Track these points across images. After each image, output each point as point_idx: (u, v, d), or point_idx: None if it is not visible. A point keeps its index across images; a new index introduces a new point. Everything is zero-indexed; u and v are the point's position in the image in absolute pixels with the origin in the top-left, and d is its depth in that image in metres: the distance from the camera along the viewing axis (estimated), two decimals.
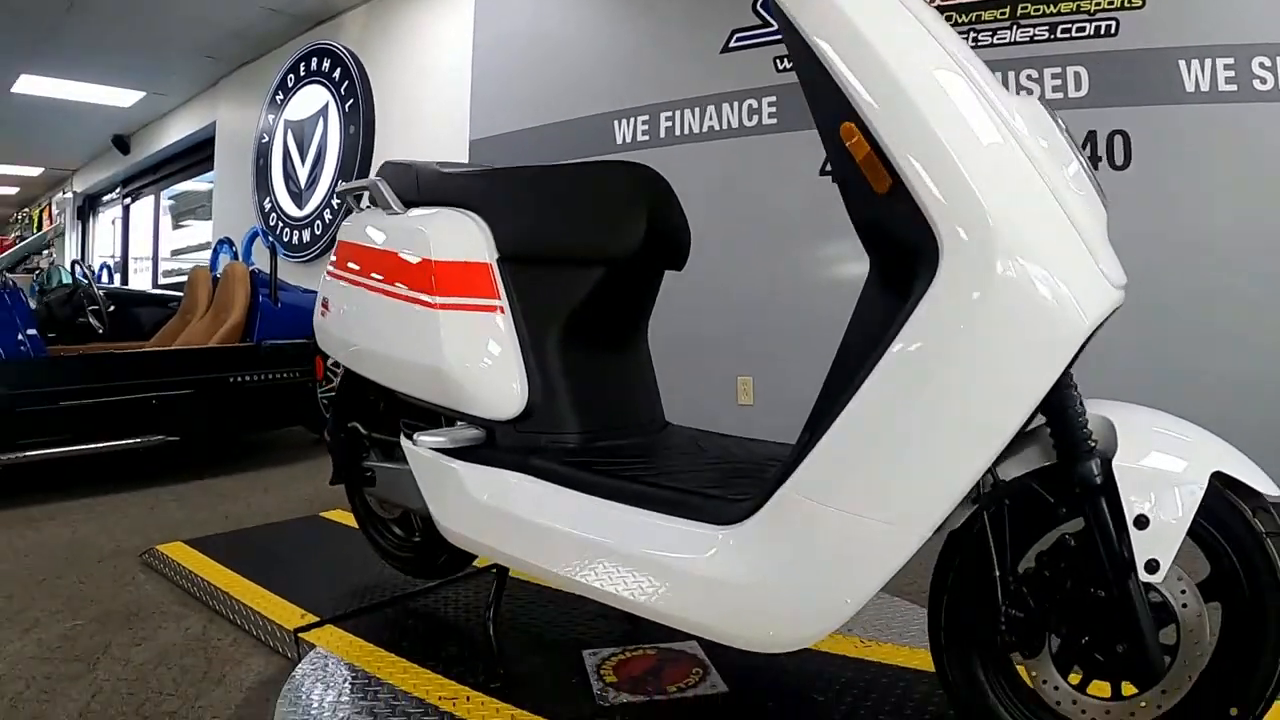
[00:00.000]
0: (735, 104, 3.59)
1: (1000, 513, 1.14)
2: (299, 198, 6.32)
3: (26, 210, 15.07)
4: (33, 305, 3.98)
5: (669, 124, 3.82)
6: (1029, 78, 2.96)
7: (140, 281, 10.87)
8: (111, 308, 4.80)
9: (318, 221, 6.08)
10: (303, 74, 6.25)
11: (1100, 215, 1.15)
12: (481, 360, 1.60)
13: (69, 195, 13.01)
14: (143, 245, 11.46)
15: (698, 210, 3.63)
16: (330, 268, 2.01)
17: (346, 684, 1.66)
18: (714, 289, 3.74)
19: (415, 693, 1.59)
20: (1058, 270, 1.03)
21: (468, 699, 1.56)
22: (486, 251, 1.63)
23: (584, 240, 1.60)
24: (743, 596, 1.18)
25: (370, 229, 1.87)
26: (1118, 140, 2.84)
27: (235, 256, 6.39)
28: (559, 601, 2.01)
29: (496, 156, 4.55)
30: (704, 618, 1.22)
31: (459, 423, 1.66)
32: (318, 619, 2.00)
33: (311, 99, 6.22)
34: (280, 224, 6.49)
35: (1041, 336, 1.03)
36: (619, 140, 4.04)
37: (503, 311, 1.60)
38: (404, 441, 1.73)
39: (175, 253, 11.04)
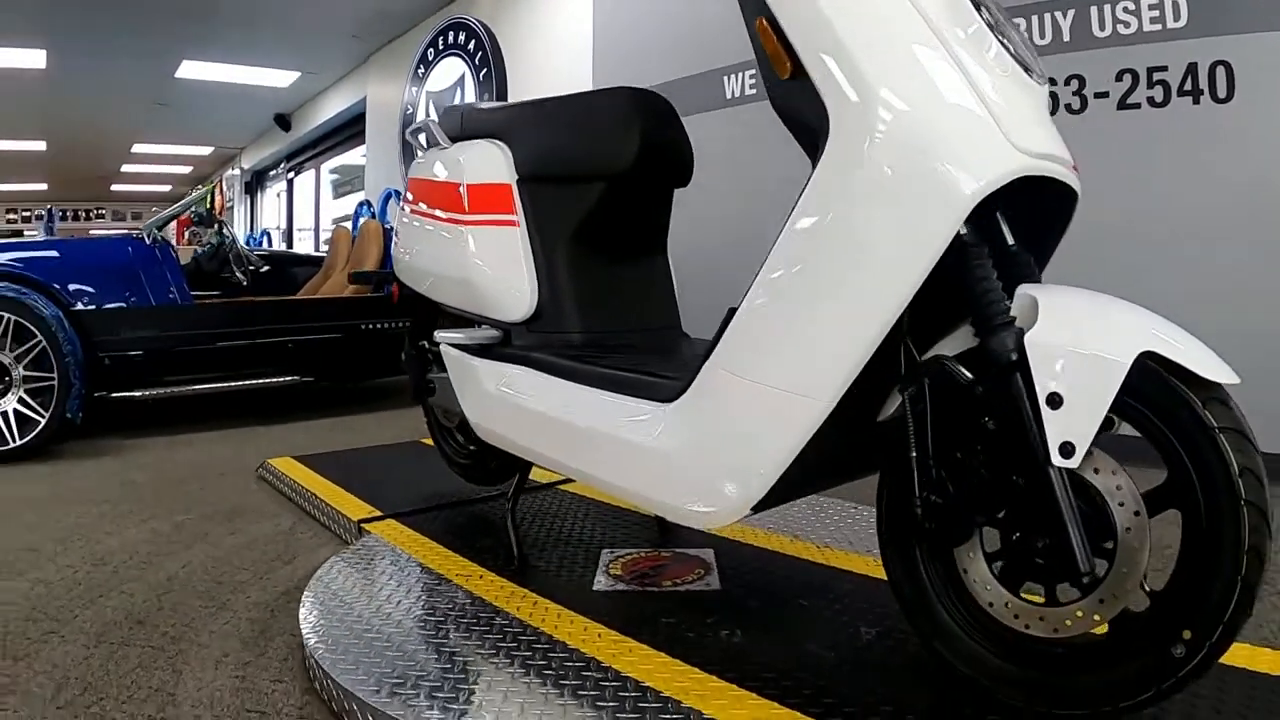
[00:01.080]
0: None
1: (920, 395, 1.16)
2: None
3: (200, 186, 16.79)
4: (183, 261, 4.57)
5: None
6: (1126, 10, 2.85)
7: (303, 248, 11.88)
8: (266, 267, 5.39)
9: None
10: (441, 48, 6.70)
11: (1028, 90, 1.16)
12: (499, 269, 1.81)
13: (237, 172, 14.42)
14: (306, 216, 12.55)
15: (794, 159, 3.68)
16: (400, 204, 2.28)
17: (385, 561, 1.92)
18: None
19: (438, 569, 1.83)
20: (946, 138, 1.05)
21: (481, 576, 1.78)
22: (507, 174, 1.84)
23: (585, 158, 1.78)
24: (675, 468, 1.31)
25: (423, 164, 2.13)
26: (1220, 72, 2.70)
27: (373, 216, 6.94)
28: (603, 511, 2.22)
29: None
30: (645, 489, 1.37)
31: (483, 326, 1.88)
32: (381, 513, 2.28)
33: (450, 71, 6.65)
34: None
35: (924, 203, 1.04)
36: (728, 95, 4.14)
37: (518, 225, 1.80)
38: (441, 346, 1.96)
39: (336, 221, 12.02)
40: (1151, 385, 1.03)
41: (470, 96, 6.31)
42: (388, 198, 6.84)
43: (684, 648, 1.38)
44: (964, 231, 1.08)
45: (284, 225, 13.25)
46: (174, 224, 5.32)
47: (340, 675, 1.33)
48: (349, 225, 7.22)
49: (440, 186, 1.98)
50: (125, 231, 5.10)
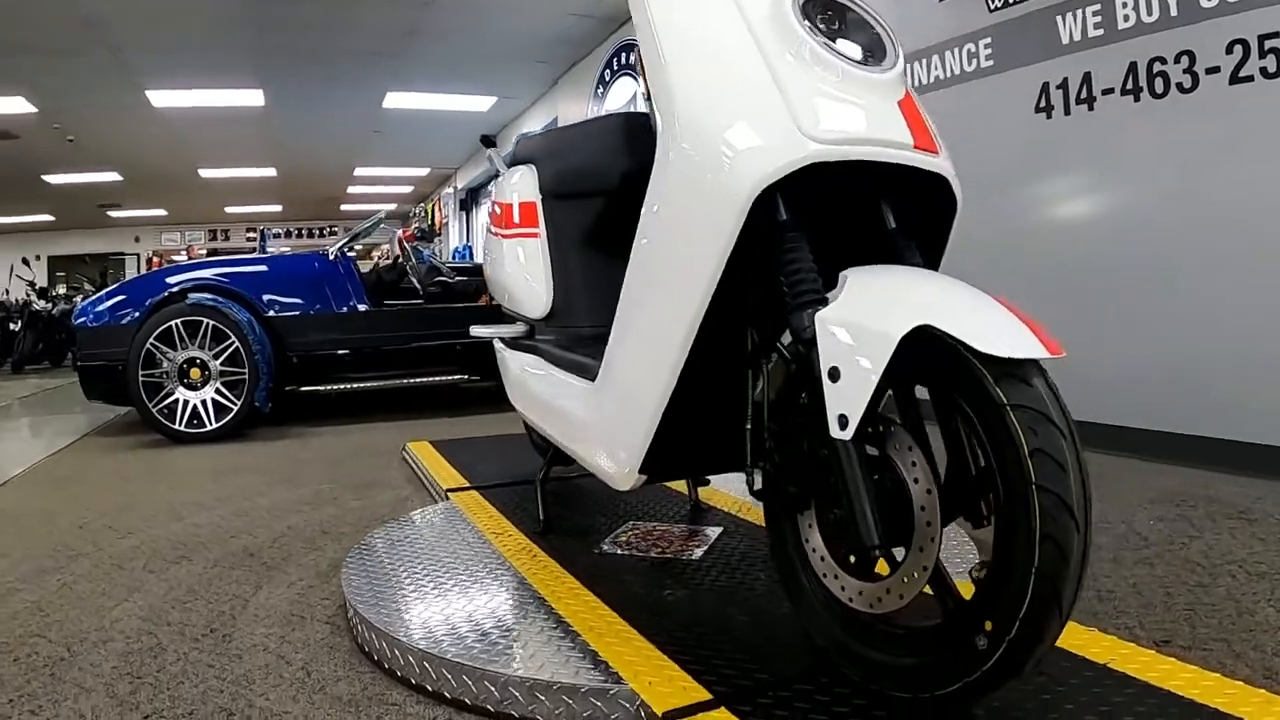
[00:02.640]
0: (955, 50, 3.70)
1: (757, 373, 1.31)
2: None
3: (422, 205, 18.69)
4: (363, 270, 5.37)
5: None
6: None
7: None
8: (460, 278, 6.10)
9: None
10: (615, 69, 7.27)
11: (857, 82, 1.24)
12: (526, 273, 2.18)
13: (451, 190, 15.95)
14: None
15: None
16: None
17: (442, 518, 2.34)
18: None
19: (479, 526, 2.22)
20: (737, 134, 1.20)
21: (509, 535, 2.14)
22: (534, 193, 2.21)
23: (586, 177, 2.11)
24: (592, 437, 1.61)
25: (493, 188, 2.56)
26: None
27: None
28: (652, 489, 2.43)
29: None
30: (582, 453, 1.68)
31: (518, 322, 2.27)
32: (466, 485, 2.71)
33: (623, 91, 7.21)
34: None
35: (715, 195, 1.20)
36: None
37: (539, 236, 2.16)
38: (493, 340, 2.39)
39: None
40: (943, 361, 1.05)
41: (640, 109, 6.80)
42: None
43: (620, 598, 1.63)
44: (784, 217, 1.22)
45: None
46: (401, 235, 6.15)
47: (350, 591, 1.75)
48: None
49: (497, 206, 2.39)
50: (313, 249, 6.01)
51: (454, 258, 12.86)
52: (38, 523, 2.73)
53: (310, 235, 20.85)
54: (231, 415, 4.34)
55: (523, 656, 1.39)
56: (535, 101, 9.95)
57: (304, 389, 4.78)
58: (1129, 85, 2.96)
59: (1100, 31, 3.03)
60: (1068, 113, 3.19)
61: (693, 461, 1.55)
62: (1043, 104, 3.27)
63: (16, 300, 11.27)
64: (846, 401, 1.07)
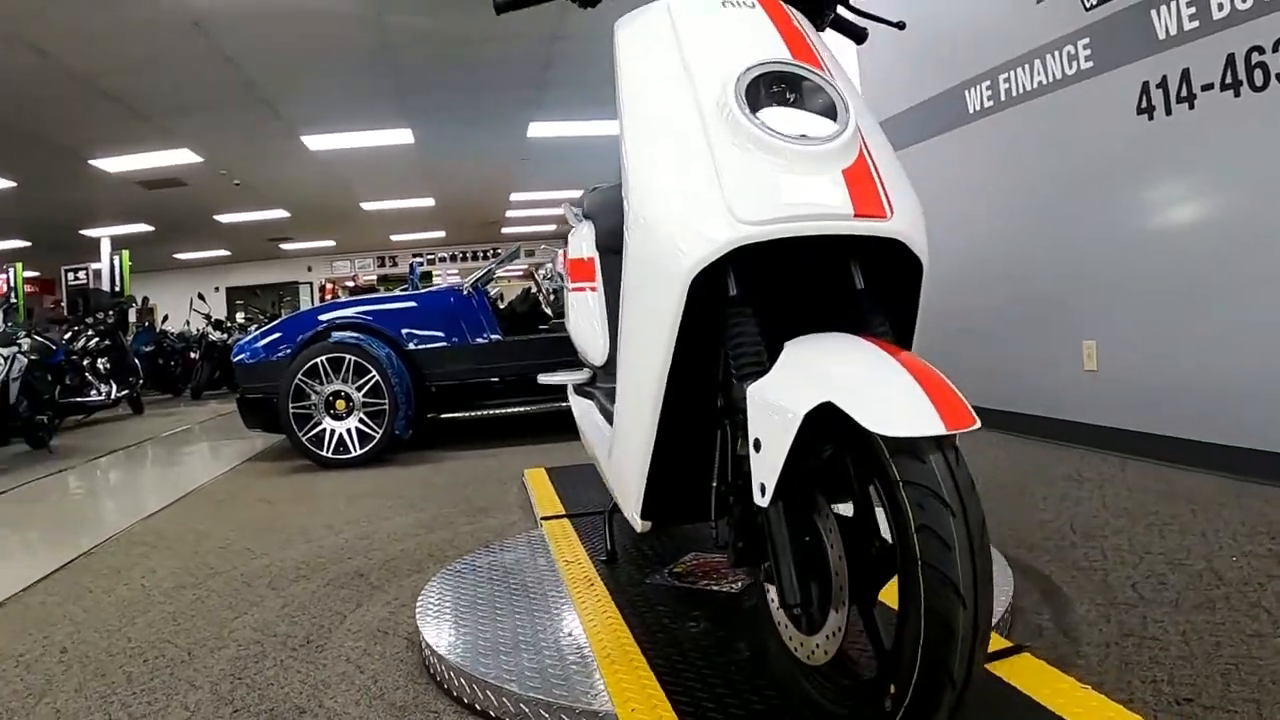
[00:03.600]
0: (1055, 53, 3.64)
1: (724, 434, 1.44)
2: None
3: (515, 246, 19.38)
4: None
5: (1006, 85, 3.98)
6: None
7: None
8: None
9: None
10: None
11: (800, 158, 1.31)
12: (587, 324, 2.39)
13: None
14: None
15: (1029, 167, 3.80)
16: None
17: (526, 545, 2.57)
18: (1048, 247, 3.85)
19: (555, 555, 2.42)
20: (676, 224, 1.35)
21: (579, 564, 2.33)
22: (591, 248, 2.40)
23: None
24: (613, 480, 1.79)
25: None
26: None
27: None
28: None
29: (892, 136, 5.04)
30: (615, 495, 1.86)
31: (584, 369, 2.48)
32: (561, 514, 2.93)
33: None
34: None
35: (660, 278, 1.35)
36: (970, 109, 4.27)
37: (595, 290, 2.35)
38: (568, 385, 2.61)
39: None
40: (851, 437, 1.11)
41: None
42: None
43: (647, 629, 1.78)
44: (733, 292, 1.33)
45: None
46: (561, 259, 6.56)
47: (420, 612, 2.02)
48: None
49: (566, 258, 2.61)
50: (449, 285, 6.47)
51: None
52: (189, 543, 3.20)
53: (474, 258, 22.03)
54: (374, 443, 4.80)
55: (539, 675, 1.58)
56: None
57: (443, 416, 5.20)
58: (1228, 79, 2.83)
59: (1195, 24, 2.91)
60: (1169, 112, 3.07)
61: (689, 509, 1.64)
62: (1144, 105, 3.16)
63: (196, 331, 12.83)
64: (765, 471, 1.16)
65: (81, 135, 8.69)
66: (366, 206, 15.07)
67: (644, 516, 1.62)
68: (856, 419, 1.05)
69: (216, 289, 20.09)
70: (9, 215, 12.10)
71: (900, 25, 1.99)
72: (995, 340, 4.31)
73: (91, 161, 9.75)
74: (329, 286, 20.72)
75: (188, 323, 13.58)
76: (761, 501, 1.17)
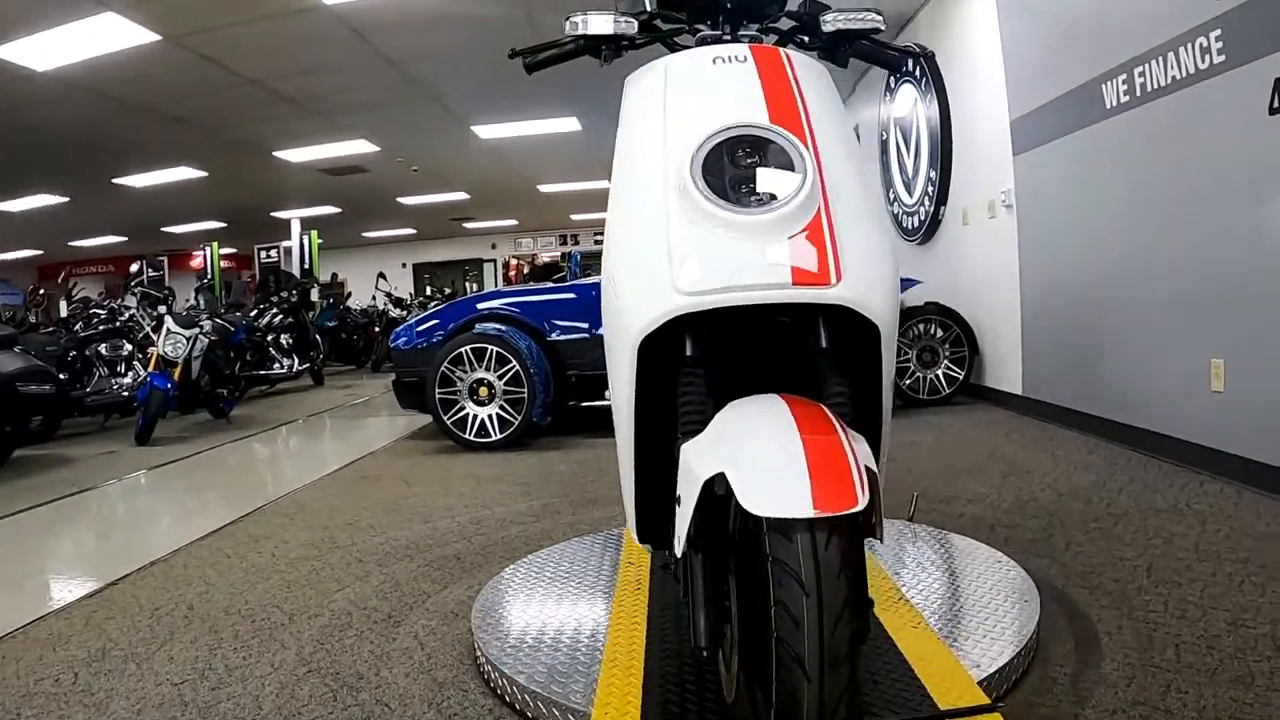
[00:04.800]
0: (1188, 45, 3.43)
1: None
2: (909, 186, 7.41)
3: None
4: None
5: (1141, 80, 3.78)
6: None
7: None
8: None
9: (920, 209, 7.06)
10: (899, 76, 7.30)
11: (744, 228, 1.39)
12: None
13: None
14: None
15: (1158, 168, 3.78)
16: None
17: (599, 542, 2.79)
18: (1180, 254, 3.64)
19: (622, 556, 2.61)
20: (630, 295, 1.47)
21: (639, 566, 2.49)
22: None
23: None
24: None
25: None
26: None
27: None
28: None
29: (1029, 134, 4.91)
30: None
31: None
32: None
33: (906, 97, 7.23)
34: (900, 211, 7.68)
35: (620, 334, 1.47)
36: (1108, 104, 4.07)
37: None
38: None
39: None
40: (736, 508, 1.21)
41: (922, 120, 6.78)
42: None
43: (662, 635, 1.93)
44: (688, 352, 1.46)
45: None
46: None
47: (479, 598, 2.29)
48: None
49: None
50: (593, 280, 6.78)
51: None
52: (323, 517, 3.66)
53: None
54: (512, 429, 5.19)
55: (547, 671, 1.81)
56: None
57: (583, 404, 5.52)
58: None
59: None
60: None
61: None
62: (1276, 104, 2.94)
63: (377, 308, 13.97)
64: (681, 524, 1.29)
65: (263, 131, 9.70)
66: (544, 189, 15.78)
67: (641, 539, 1.80)
68: (736, 494, 1.16)
69: (404, 265, 21.72)
70: (203, 200, 13.62)
71: (926, 53, 2.02)
72: (1118, 347, 4.13)
73: (275, 153, 10.85)
74: (513, 263, 21.78)
75: (374, 298, 14.84)
76: (677, 551, 1.30)
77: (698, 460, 1.29)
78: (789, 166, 1.44)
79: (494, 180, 14.15)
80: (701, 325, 1.46)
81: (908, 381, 5.86)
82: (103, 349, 7.21)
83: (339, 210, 15.85)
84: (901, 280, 6.35)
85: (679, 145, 1.49)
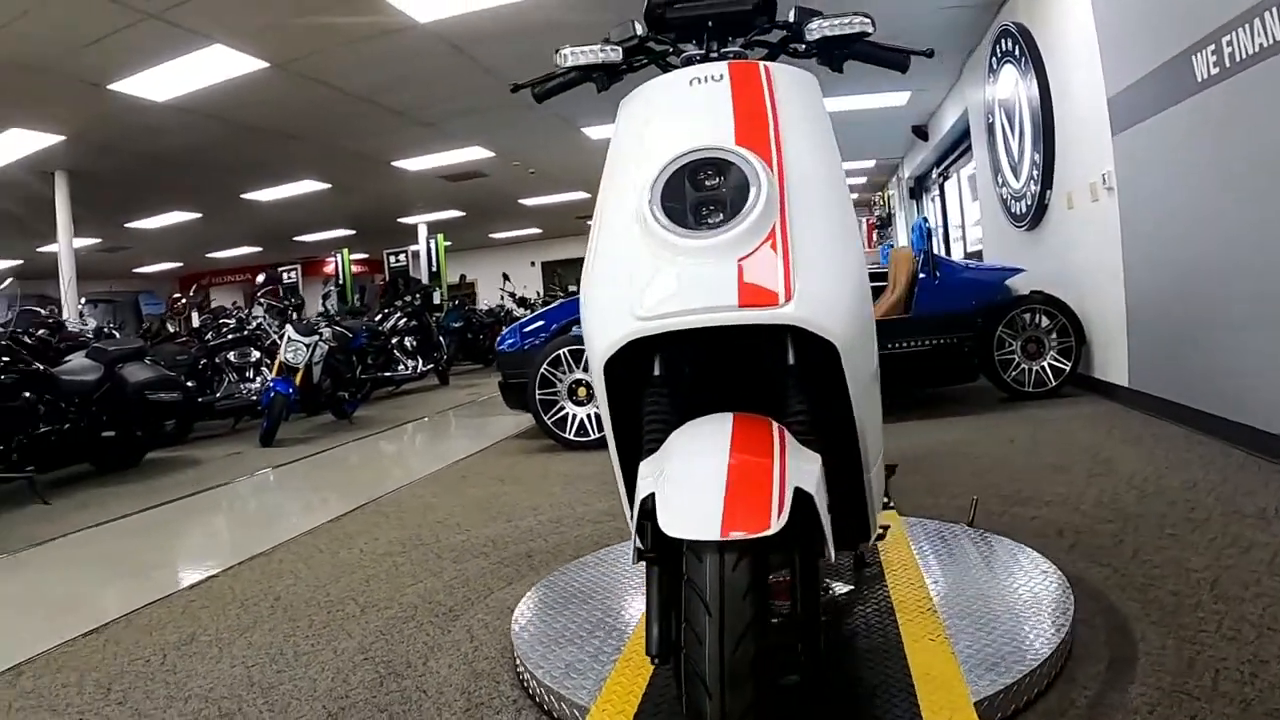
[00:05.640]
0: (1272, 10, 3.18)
1: None
2: (1015, 170, 7.12)
3: (880, 193, 19.00)
4: None
5: (1229, 49, 3.53)
6: None
7: (958, 251, 12.77)
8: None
9: (1027, 193, 6.79)
10: (999, 55, 7.01)
11: (696, 253, 1.42)
12: None
13: (897, 179, 16.09)
14: (956, 217, 13.45)
15: (1263, 141, 3.52)
16: None
17: None
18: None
19: None
20: (600, 319, 1.49)
21: None
22: None
23: None
24: None
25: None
26: None
27: (926, 235, 7.44)
28: None
29: (1126, 112, 4.65)
30: None
31: None
32: None
33: (1008, 77, 6.93)
34: (1007, 195, 7.40)
35: (591, 355, 1.51)
36: (1198, 77, 3.82)
37: None
38: None
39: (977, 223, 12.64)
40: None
41: (1024, 100, 6.50)
42: (918, 227, 7.26)
43: None
44: (656, 372, 1.48)
45: (941, 227, 14.36)
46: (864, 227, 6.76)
47: (524, 598, 2.39)
48: (907, 246, 7.90)
49: None
50: None
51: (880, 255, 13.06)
52: (416, 515, 3.88)
53: None
54: None
55: (565, 667, 1.89)
56: (950, 91, 9.87)
57: None
58: None
59: None
60: None
61: None
62: None
63: (501, 307, 14.63)
64: (637, 537, 1.32)
65: (377, 143, 10.18)
66: None
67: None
68: (657, 514, 1.21)
69: (532, 263, 22.30)
70: (330, 210, 14.35)
71: (929, 53, 1.96)
72: (1226, 337, 3.84)
73: (393, 163, 11.36)
74: None
75: (502, 297, 15.34)
76: (632, 560, 1.34)
77: (641, 479, 1.34)
78: (741, 192, 1.45)
79: None
80: (670, 346, 1.48)
81: (1012, 374, 5.62)
82: (231, 356, 7.81)
83: (463, 213, 16.43)
84: (1004, 269, 6.22)
85: (643, 171, 1.53)
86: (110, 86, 6.95)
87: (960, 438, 4.55)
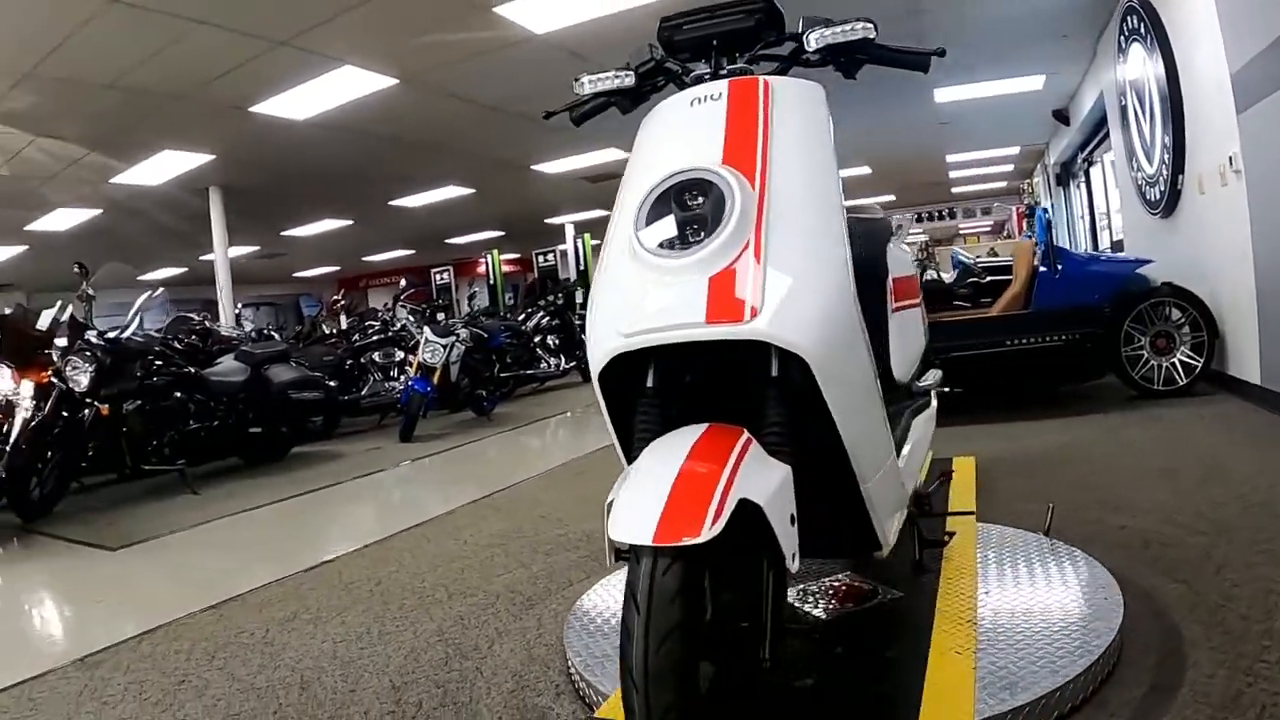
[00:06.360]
0: None
1: None
2: (1149, 155, 6.68)
3: (1027, 181, 18.08)
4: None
5: None
6: None
7: (1104, 241, 12.10)
8: (988, 278, 6.33)
9: (1160, 179, 6.38)
10: (1126, 33, 6.58)
11: (673, 275, 1.49)
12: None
13: (1043, 166, 15.30)
14: (1102, 205, 12.71)
15: None
16: None
17: None
18: None
19: None
20: (595, 336, 1.58)
21: None
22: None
23: None
24: None
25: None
26: None
27: (1046, 226, 7.04)
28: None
29: (1249, 89, 4.32)
30: None
31: None
32: None
33: (1136, 56, 6.47)
34: (1142, 182, 6.99)
35: (591, 368, 1.59)
36: None
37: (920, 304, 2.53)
38: None
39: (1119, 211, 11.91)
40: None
41: (1150, 80, 6.10)
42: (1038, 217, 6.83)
43: None
44: (649, 384, 1.55)
45: (1087, 218, 13.58)
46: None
47: (600, 582, 2.51)
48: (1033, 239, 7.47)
49: None
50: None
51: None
52: (524, 510, 4.06)
53: (931, 219, 21.87)
54: None
55: (600, 659, 1.98)
56: (1085, 74, 9.33)
57: None
58: None
59: None
60: None
61: None
62: None
63: None
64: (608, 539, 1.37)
65: (514, 149, 10.49)
66: None
67: None
68: (608, 523, 1.28)
69: None
70: (477, 213, 14.87)
71: (940, 52, 1.91)
72: None
73: (533, 167, 11.70)
74: None
75: None
76: (609, 562, 1.37)
77: (615, 485, 1.39)
78: (718, 211, 1.50)
79: None
80: (664, 360, 1.55)
81: (1141, 371, 5.26)
82: (376, 357, 8.29)
83: (606, 213, 16.31)
84: (1130, 260, 5.84)
85: (635, 193, 1.61)
86: (252, 109, 7.54)
87: (1074, 439, 4.33)
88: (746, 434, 1.42)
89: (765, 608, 1.38)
